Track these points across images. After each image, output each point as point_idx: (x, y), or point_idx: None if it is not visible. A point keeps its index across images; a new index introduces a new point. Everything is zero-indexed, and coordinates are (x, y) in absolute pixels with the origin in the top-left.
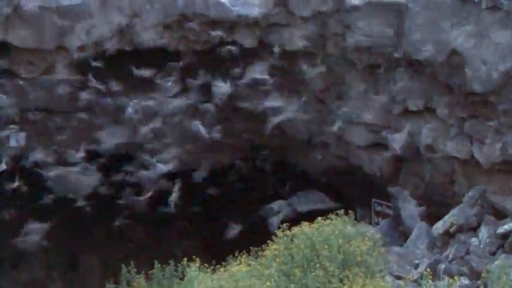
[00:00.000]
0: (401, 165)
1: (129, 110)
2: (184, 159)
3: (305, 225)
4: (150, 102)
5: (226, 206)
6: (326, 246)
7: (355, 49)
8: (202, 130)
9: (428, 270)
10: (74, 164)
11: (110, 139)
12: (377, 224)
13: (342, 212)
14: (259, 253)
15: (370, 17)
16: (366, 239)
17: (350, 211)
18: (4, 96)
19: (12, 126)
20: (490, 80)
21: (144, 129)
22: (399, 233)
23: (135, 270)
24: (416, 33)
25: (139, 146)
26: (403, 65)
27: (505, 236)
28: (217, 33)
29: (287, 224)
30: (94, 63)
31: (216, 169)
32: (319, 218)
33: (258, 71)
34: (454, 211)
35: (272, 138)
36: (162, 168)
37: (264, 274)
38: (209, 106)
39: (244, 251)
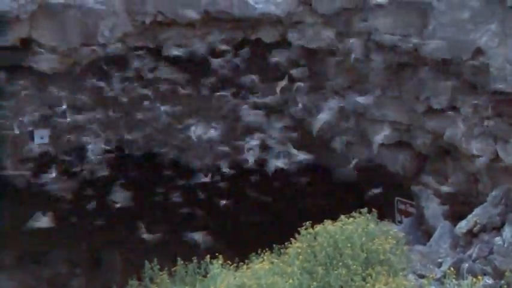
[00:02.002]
0: (424, 164)
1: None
2: None
3: (328, 223)
4: None
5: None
6: (349, 245)
7: (379, 47)
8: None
9: (452, 269)
10: None
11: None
12: (400, 222)
13: (365, 210)
14: (282, 251)
15: (394, 15)
16: (389, 237)
17: (373, 209)
18: (27, 93)
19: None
20: None
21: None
22: (422, 232)
23: (158, 267)
24: (440, 32)
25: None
26: (427, 64)
27: None
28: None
29: (310, 221)
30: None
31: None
32: (342, 216)
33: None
34: (477, 210)
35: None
36: None
37: (286, 272)
38: None
39: (267, 249)
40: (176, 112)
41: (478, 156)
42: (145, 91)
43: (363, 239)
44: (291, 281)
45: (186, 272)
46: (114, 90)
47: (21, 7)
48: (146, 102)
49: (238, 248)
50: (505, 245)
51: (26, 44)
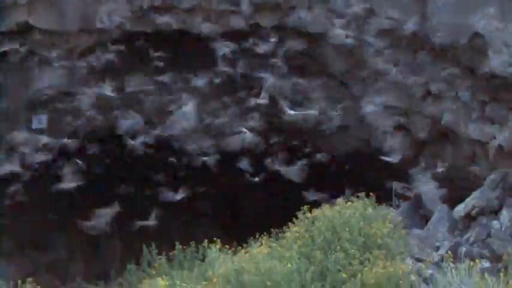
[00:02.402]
0: (422, 148)
1: None
2: None
3: (326, 208)
4: None
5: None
6: (347, 229)
7: (378, 32)
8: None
9: (449, 253)
10: None
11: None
12: (398, 206)
13: (362, 194)
14: (280, 235)
15: (393, 0)
16: (387, 221)
17: (371, 193)
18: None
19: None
20: None
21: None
22: (420, 216)
23: (156, 251)
24: (438, 17)
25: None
26: (425, 48)
27: None
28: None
29: (308, 206)
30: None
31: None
32: (340, 200)
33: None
34: (475, 194)
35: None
36: None
37: (284, 256)
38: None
39: (264, 233)
40: None
41: (476, 140)
42: None
43: (361, 223)
44: (289, 265)
45: (184, 256)
46: None
47: None
48: None
49: (237, 233)
50: (503, 229)
51: (24, 29)
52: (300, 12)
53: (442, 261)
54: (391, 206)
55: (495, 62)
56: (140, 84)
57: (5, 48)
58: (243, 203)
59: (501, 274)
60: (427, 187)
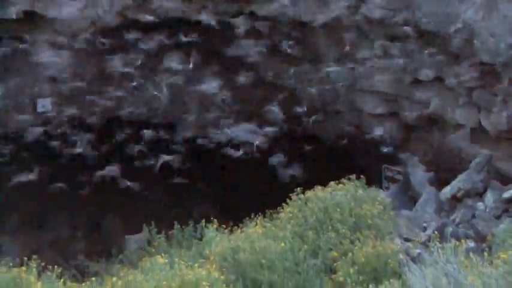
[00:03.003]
0: (411, 132)
1: None
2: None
3: (318, 189)
4: None
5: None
6: (338, 210)
7: (368, 21)
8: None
9: (436, 233)
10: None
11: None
12: (387, 188)
13: (353, 176)
14: (274, 215)
15: None
16: (377, 203)
17: (361, 176)
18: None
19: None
20: (498, 51)
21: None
22: (408, 198)
23: (156, 230)
24: (427, 6)
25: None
26: (414, 37)
27: (510, 200)
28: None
29: (301, 187)
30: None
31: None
32: (332, 182)
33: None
34: (461, 177)
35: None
36: None
37: (278, 235)
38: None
39: (260, 213)
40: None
41: (462, 125)
42: None
43: (352, 204)
44: (282, 244)
45: (182, 235)
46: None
47: None
48: None
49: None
50: (487, 210)
51: (30, 16)
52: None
53: (429, 241)
54: (381, 188)
55: (481, 50)
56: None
57: (12, 34)
58: (238, 185)
59: (485, 253)
60: (415, 170)
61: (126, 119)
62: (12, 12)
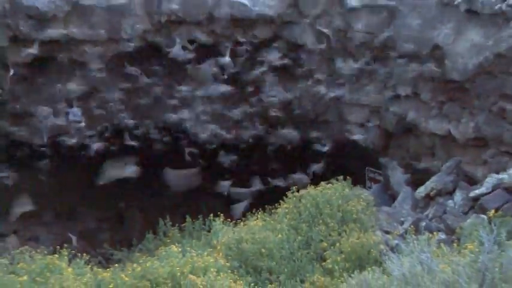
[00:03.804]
0: (391, 140)
1: None
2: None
3: (311, 188)
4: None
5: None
6: (328, 206)
7: (354, 43)
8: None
9: (412, 226)
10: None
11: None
12: (370, 188)
13: (341, 177)
14: (273, 211)
15: (367, 16)
16: (361, 200)
17: (348, 177)
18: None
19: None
20: (466, 71)
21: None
22: (388, 196)
23: (170, 223)
24: (405, 31)
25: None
26: (394, 57)
27: (475, 199)
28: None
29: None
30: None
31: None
32: (323, 183)
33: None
34: (434, 178)
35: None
36: None
37: (276, 228)
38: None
39: (260, 209)
40: None
41: (435, 134)
42: None
43: (340, 201)
44: (280, 235)
45: (193, 228)
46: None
47: (57, 7)
48: None
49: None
50: (456, 207)
51: (62, 38)
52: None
53: (406, 234)
54: (365, 187)
55: (451, 70)
56: None
57: (47, 54)
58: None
59: (454, 244)
60: (394, 172)
61: None
62: (48, 34)
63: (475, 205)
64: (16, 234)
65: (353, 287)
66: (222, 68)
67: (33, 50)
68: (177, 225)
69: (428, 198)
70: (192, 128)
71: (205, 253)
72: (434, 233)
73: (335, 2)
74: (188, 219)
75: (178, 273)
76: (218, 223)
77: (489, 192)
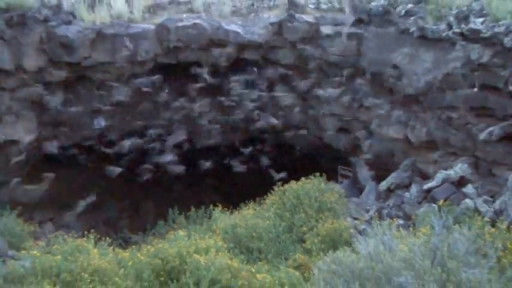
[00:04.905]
0: (358, 143)
1: None
2: None
3: (293, 183)
4: None
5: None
6: (307, 197)
7: (328, 64)
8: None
9: (376, 214)
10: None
11: None
12: (341, 183)
13: (318, 174)
14: (262, 201)
15: (338, 42)
16: (334, 192)
17: (323, 174)
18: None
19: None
20: (419, 87)
21: None
22: (356, 189)
23: (178, 212)
24: (369, 54)
25: None
26: (360, 75)
27: (428, 191)
28: (233, 51)
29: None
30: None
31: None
32: (303, 178)
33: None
34: (393, 174)
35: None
36: None
37: (264, 216)
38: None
39: (251, 200)
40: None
41: (394, 138)
42: None
43: (317, 193)
44: (267, 222)
45: (196, 216)
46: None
47: (84, 35)
48: None
49: (232, 200)
50: (412, 198)
51: (88, 60)
52: (276, 50)
53: (371, 220)
54: (337, 182)
55: (407, 85)
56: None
57: (76, 74)
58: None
59: (411, 228)
60: (361, 170)
61: None
62: (76, 57)
63: (427, 196)
64: (52, 221)
65: (328, 263)
66: None
67: (64, 72)
68: (183, 213)
69: (389, 191)
70: None
71: (207, 236)
72: (394, 219)
73: (312, 30)
74: (192, 208)
75: (185, 253)
76: (217, 212)
77: (439, 186)
